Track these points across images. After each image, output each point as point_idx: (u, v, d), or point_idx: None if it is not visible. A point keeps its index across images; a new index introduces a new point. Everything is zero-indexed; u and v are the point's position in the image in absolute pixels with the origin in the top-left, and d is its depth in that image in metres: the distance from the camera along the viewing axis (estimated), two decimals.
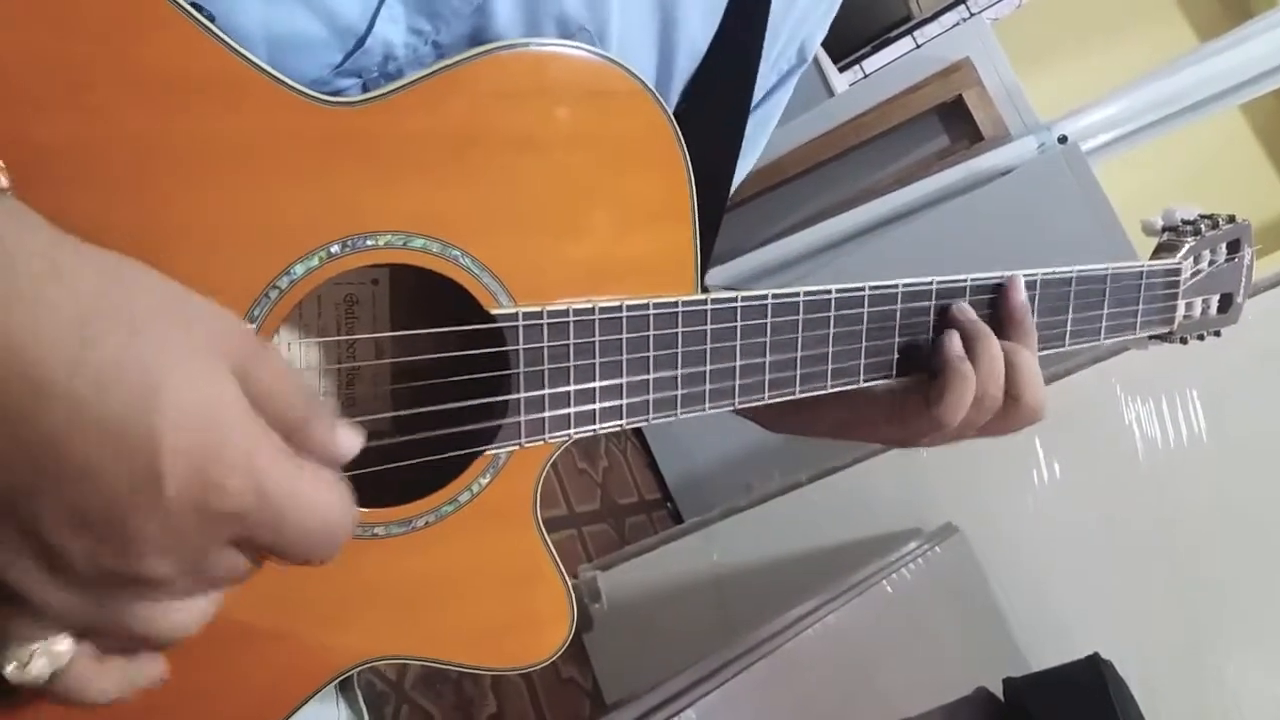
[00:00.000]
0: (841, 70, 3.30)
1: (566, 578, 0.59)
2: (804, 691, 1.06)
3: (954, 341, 0.68)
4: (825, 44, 3.07)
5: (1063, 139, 2.39)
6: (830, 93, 2.91)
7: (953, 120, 2.62)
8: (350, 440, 0.39)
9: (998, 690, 1.39)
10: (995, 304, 0.71)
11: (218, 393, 0.34)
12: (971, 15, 3.51)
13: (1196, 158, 3.29)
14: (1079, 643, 1.44)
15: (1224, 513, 1.62)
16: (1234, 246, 0.87)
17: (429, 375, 0.57)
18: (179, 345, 0.34)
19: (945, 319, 0.70)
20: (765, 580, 1.87)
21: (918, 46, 3.33)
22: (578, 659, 2.06)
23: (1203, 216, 0.85)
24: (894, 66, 2.79)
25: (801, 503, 1.87)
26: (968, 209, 2.36)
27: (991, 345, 0.68)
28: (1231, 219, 0.87)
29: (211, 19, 0.45)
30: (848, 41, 3.37)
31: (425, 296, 0.54)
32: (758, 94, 0.76)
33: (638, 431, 2.70)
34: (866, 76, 3.18)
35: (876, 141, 2.66)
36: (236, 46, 0.45)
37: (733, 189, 0.76)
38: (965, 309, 0.70)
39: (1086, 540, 1.68)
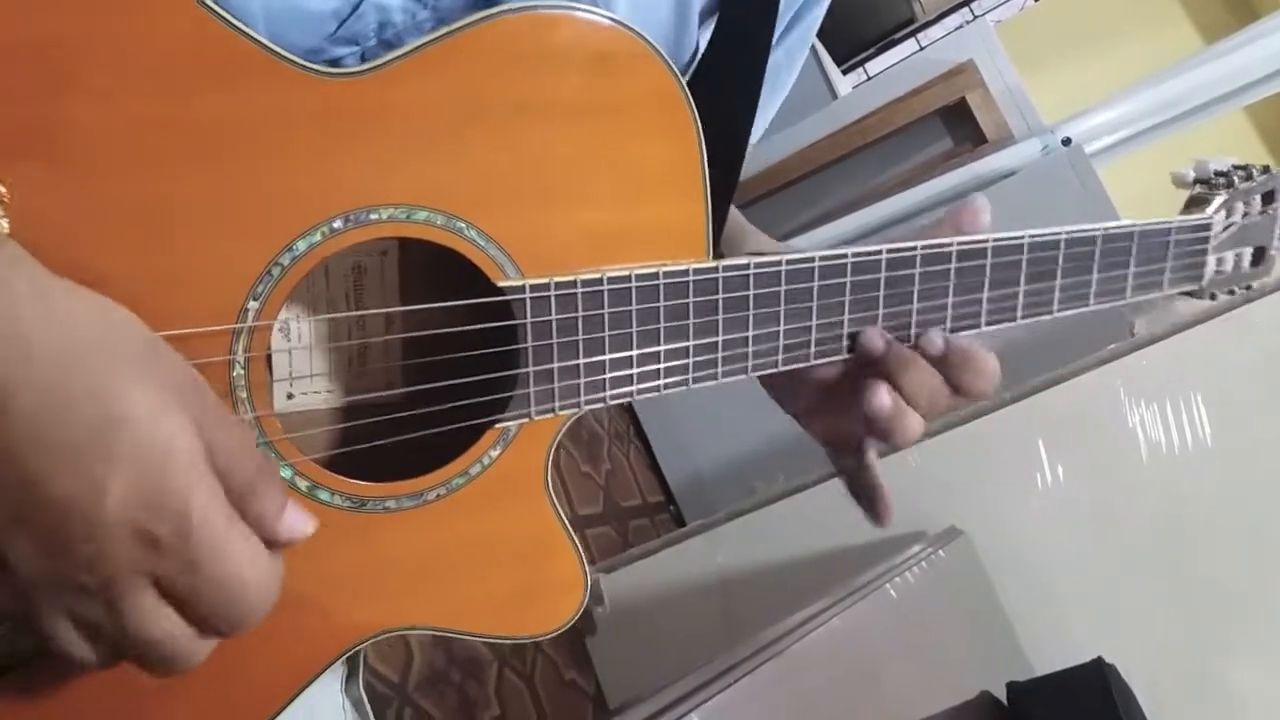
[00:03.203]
0: (845, 73, 3.30)
1: (579, 545, 0.59)
2: (808, 695, 1.06)
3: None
4: (829, 46, 3.07)
5: (1066, 141, 2.39)
6: (834, 95, 2.91)
7: (956, 123, 2.62)
8: (296, 523, 0.41)
9: (1001, 694, 1.39)
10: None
11: (176, 436, 0.37)
12: (975, 17, 3.50)
13: None
14: (1083, 647, 1.44)
15: (1229, 516, 1.62)
16: (1269, 198, 0.84)
17: (440, 347, 0.56)
18: (152, 387, 0.37)
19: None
20: (769, 583, 1.86)
21: (921, 49, 3.32)
22: (580, 662, 2.05)
23: (1236, 167, 0.82)
24: (897, 69, 2.80)
25: (805, 505, 1.86)
26: None
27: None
28: (1266, 169, 0.83)
29: None
30: (851, 44, 3.36)
31: (436, 265, 0.53)
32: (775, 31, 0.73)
33: (640, 433, 2.69)
34: (870, 79, 3.18)
35: (880, 144, 2.66)
36: (233, 21, 0.44)
37: (756, 136, 0.73)
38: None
39: (1091, 544, 1.67)
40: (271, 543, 0.40)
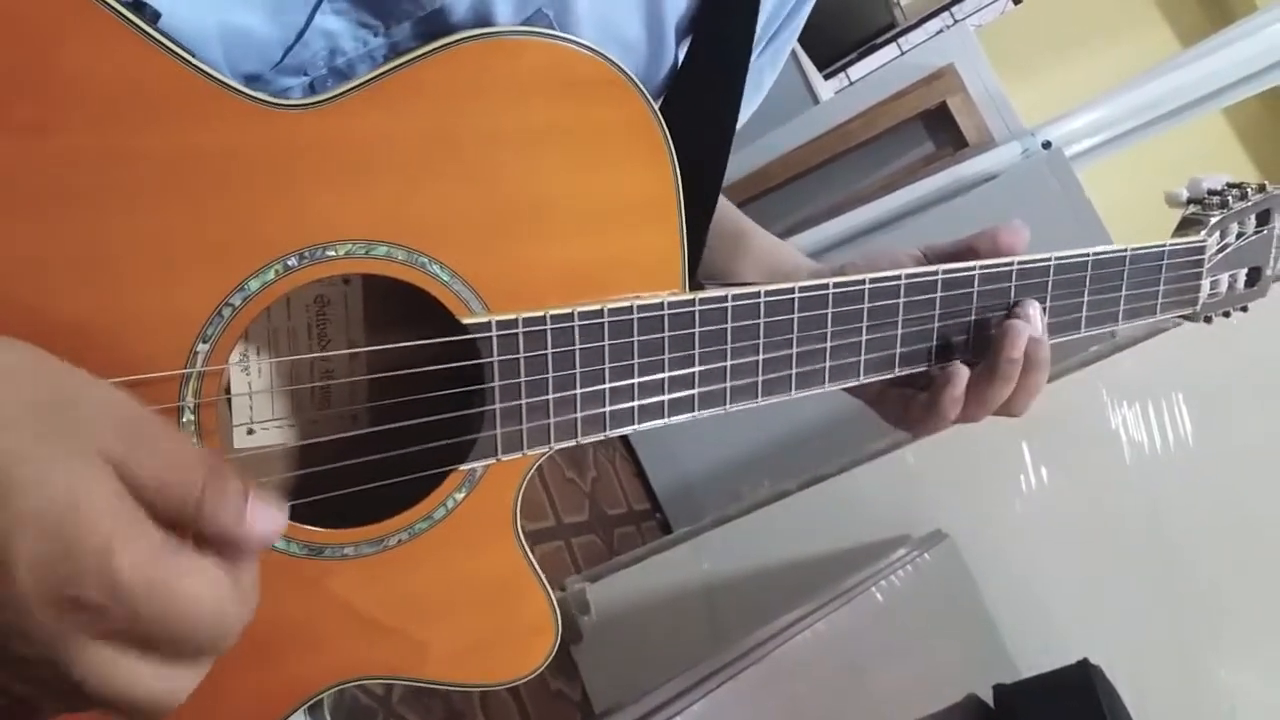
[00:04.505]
0: (827, 78, 3.31)
1: (549, 588, 0.57)
2: (793, 699, 1.06)
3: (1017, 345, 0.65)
4: (810, 51, 3.08)
5: (1046, 144, 2.39)
6: (815, 100, 2.92)
7: (937, 127, 2.63)
8: (265, 522, 0.38)
9: (988, 697, 1.39)
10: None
11: (78, 491, 0.34)
12: (955, 22, 3.53)
13: (1180, 162, 3.30)
14: (1069, 648, 1.44)
15: (1212, 516, 1.63)
16: (1264, 217, 0.82)
17: (404, 387, 0.55)
18: (45, 444, 0.34)
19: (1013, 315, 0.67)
20: (755, 589, 1.86)
21: (902, 53, 3.33)
22: (566, 671, 2.04)
23: (1230, 186, 0.80)
24: (879, 74, 2.80)
25: (791, 510, 1.86)
26: (952, 215, 2.36)
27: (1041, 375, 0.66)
28: (1262, 188, 0.81)
29: (157, 17, 0.43)
30: (833, 49, 3.38)
31: (402, 295, 0.52)
32: (760, 38, 0.72)
33: (625, 441, 2.69)
34: (852, 84, 3.18)
35: (862, 148, 2.66)
36: (179, 50, 0.43)
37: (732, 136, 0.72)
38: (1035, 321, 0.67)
39: (1075, 545, 1.68)
40: (239, 552, 0.37)
